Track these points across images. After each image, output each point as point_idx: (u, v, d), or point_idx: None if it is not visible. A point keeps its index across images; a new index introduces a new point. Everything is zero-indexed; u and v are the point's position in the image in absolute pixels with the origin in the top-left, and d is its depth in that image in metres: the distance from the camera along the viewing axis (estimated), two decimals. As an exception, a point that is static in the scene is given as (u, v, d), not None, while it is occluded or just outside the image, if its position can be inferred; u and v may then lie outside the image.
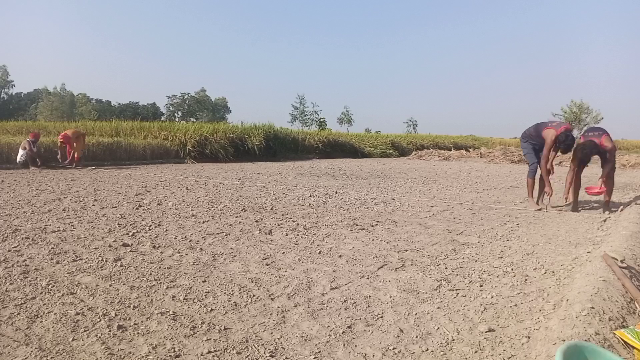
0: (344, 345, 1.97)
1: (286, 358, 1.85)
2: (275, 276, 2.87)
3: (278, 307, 2.36)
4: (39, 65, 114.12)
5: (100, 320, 2.14)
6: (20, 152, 10.64)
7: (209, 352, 1.88)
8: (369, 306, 2.40)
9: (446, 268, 3.10)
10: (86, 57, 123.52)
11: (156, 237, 3.84)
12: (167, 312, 2.27)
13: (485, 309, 2.38)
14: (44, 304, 2.33)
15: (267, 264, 3.11)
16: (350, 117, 72.05)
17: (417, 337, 2.05)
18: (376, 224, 4.56)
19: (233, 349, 1.91)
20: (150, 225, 4.27)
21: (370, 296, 2.55)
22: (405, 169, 13.34)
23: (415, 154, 22.51)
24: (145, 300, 2.42)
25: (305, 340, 2.00)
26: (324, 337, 2.04)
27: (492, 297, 2.55)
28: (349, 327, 2.14)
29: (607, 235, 3.91)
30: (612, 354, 1.56)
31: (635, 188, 8.80)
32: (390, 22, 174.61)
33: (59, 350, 1.86)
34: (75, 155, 11.39)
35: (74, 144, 11.35)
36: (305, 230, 4.21)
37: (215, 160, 15.09)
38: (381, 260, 3.26)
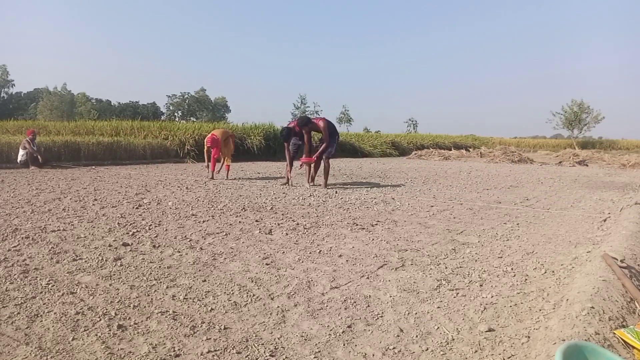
0: (344, 344, 1.97)
1: (286, 357, 1.85)
2: (275, 276, 2.87)
3: (278, 307, 2.36)
4: (39, 65, 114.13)
5: (100, 320, 2.14)
6: (21, 151, 10.66)
7: (208, 351, 1.88)
8: (369, 306, 2.40)
9: (446, 268, 3.10)
10: (86, 56, 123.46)
11: (156, 236, 3.84)
12: (167, 311, 2.27)
13: (485, 308, 2.38)
14: (44, 304, 2.33)
15: (267, 264, 3.11)
16: (349, 117, 72.02)
17: (417, 336, 2.05)
18: (376, 224, 4.56)
19: (233, 349, 1.91)
20: (150, 225, 4.27)
21: (370, 296, 2.55)
22: (405, 169, 13.33)
23: (415, 154, 22.49)
24: (145, 299, 2.42)
25: (305, 339, 2.00)
26: (323, 336, 2.04)
27: (492, 296, 2.55)
28: (349, 326, 2.14)
29: (607, 235, 3.91)
30: (612, 353, 1.56)
31: (635, 188, 8.80)
32: (391, 22, 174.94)
33: (59, 349, 1.86)
34: (226, 164, 9.08)
35: (224, 148, 8.90)
36: (305, 230, 4.21)
37: (215, 160, 15.08)
38: (381, 260, 3.26)
